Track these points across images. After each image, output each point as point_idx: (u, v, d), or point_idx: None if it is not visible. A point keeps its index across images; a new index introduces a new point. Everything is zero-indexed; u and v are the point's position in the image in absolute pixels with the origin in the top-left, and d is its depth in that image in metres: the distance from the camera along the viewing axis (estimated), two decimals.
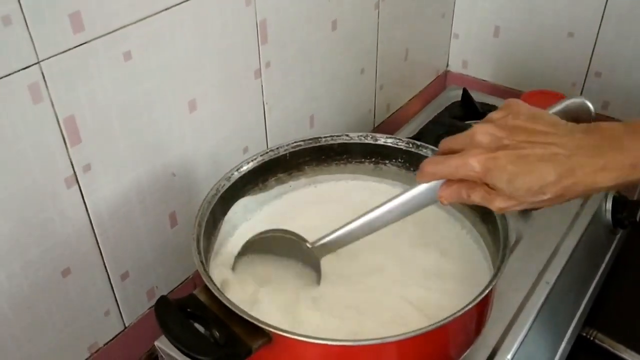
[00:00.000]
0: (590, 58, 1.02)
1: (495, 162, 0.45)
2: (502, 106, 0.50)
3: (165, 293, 0.76)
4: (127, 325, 0.72)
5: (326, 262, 0.61)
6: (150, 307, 0.74)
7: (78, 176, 0.59)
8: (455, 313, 0.50)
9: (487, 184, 0.47)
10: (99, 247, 0.65)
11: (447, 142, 0.50)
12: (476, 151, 0.46)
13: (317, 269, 0.60)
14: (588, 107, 0.53)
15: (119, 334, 0.71)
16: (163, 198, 0.70)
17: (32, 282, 0.59)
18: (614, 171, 0.44)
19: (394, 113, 1.08)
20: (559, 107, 0.53)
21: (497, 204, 0.47)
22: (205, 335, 0.49)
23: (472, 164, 0.46)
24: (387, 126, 1.06)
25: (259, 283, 0.60)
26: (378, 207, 0.55)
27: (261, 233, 0.62)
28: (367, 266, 0.64)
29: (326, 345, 0.48)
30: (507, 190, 0.46)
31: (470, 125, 0.90)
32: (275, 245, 0.61)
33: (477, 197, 0.48)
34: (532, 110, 0.48)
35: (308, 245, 0.59)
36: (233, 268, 0.62)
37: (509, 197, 0.46)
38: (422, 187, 0.52)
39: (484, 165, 0.46)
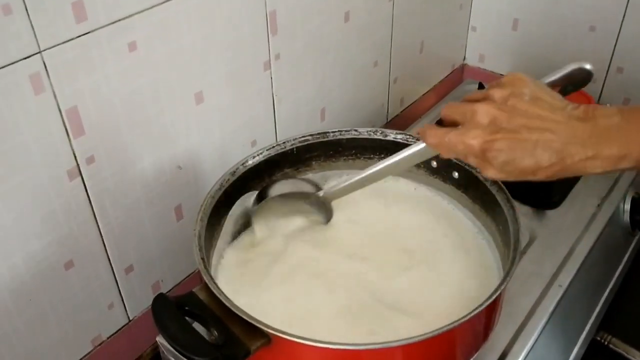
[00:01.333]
0: (612, 53, 0.99)
1: (493, 144, 0.48)
2: (505, 81, 0.51)
3: (171, 287, 0.75)
4: (131, 318, 0.71)
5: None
6: None
7: (81, 168, 0.59)
8: (461, 317, 0.49)
9: None
10: (102, 240, 0.64)
11: (450, 112, 0.52)
12: (475, 132, 0.49)
13: (328, 210, 0.67)
14: (588, 71, 0.54)
15: (123, 327, 0.71)
16: (169, 191, 0.69)
17: (34, 275, 0.59)
18: (603, 161, 0.47)
19: (407, 107, 1.06)
20: (560, 73, 0.54)
21: (489, 174, 0.50)
22: (202, 335, 0.48)
23: (471, 143, 0.49)
24: (401, 120, 1.04)
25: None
26: (385, 160, 0.59)
27: (273, 183, 0.65)
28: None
29: (327, 348, 0.47)
30: (501, 169, 0.49)
31: None
32: (290, 196, 0.65)
33: (472, 161, 0.51)
34: (534, 90, 0.49)
35: (320, 193, 0.65)
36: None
37: (501, 171, 0.49)
38: (423, 145, 0.55)
39: (482, 147, 0.48)
